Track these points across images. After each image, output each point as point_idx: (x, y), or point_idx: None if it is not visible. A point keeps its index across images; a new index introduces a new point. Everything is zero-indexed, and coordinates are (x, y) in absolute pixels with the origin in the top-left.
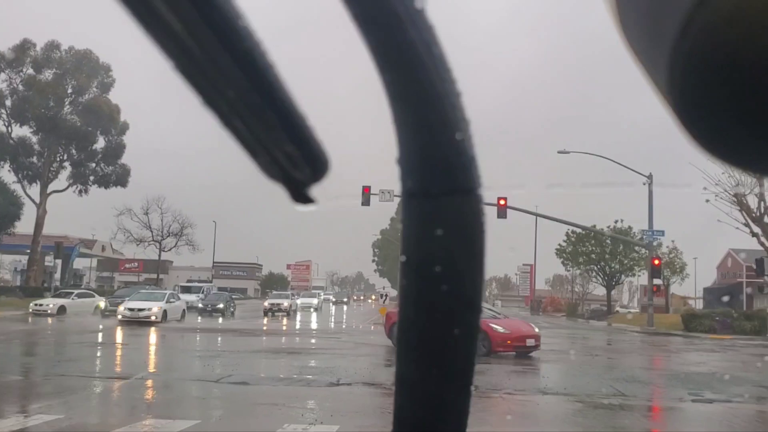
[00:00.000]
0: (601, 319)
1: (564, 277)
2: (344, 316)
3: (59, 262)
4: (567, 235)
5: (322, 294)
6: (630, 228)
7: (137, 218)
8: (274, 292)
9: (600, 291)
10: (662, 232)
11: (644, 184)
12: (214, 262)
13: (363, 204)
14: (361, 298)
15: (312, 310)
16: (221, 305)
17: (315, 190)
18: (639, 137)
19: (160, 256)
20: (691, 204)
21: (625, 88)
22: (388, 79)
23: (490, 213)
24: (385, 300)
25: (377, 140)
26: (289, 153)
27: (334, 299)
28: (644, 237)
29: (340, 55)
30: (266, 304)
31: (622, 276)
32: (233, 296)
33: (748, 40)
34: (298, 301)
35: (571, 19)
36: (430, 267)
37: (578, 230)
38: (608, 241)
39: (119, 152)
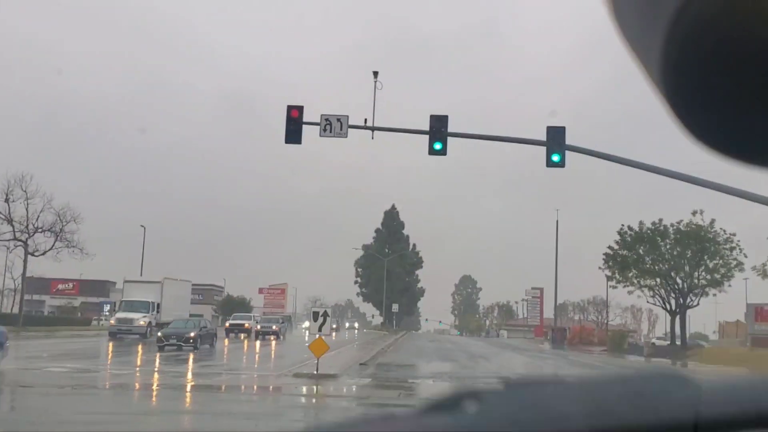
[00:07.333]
0: (667, 357)
1: (575, 304)
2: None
3: None
4: (620, 234)
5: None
6: (713, 221)
7: None
8: None
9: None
10: None
11: None
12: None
13: (288, 141)
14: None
15: None
16: None
17: None
18: None
19: (26, 261)
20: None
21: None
22: None
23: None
24: (332, 326)
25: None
26: None
27: None
28: None
29: None
30: None
31: (702, 292)
32: None
33: (742, 29)
34: None
35: None
36: None
37: (636, 229)
38: (669, 245)
39: None
